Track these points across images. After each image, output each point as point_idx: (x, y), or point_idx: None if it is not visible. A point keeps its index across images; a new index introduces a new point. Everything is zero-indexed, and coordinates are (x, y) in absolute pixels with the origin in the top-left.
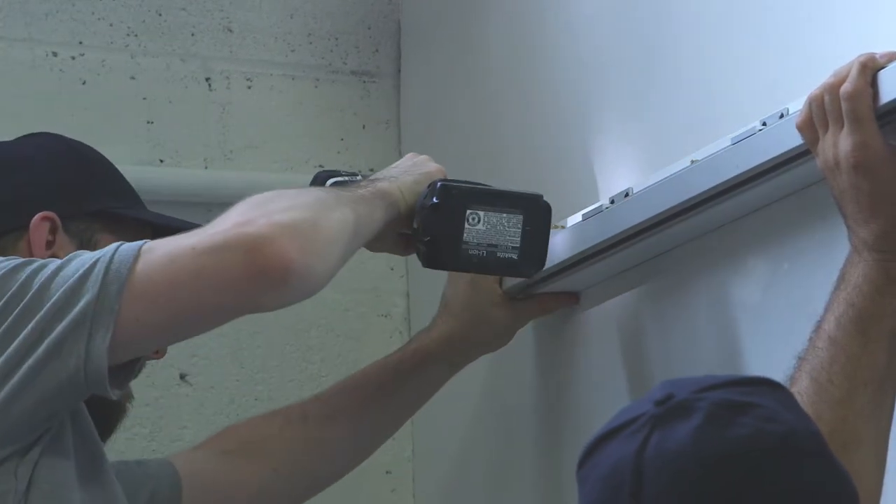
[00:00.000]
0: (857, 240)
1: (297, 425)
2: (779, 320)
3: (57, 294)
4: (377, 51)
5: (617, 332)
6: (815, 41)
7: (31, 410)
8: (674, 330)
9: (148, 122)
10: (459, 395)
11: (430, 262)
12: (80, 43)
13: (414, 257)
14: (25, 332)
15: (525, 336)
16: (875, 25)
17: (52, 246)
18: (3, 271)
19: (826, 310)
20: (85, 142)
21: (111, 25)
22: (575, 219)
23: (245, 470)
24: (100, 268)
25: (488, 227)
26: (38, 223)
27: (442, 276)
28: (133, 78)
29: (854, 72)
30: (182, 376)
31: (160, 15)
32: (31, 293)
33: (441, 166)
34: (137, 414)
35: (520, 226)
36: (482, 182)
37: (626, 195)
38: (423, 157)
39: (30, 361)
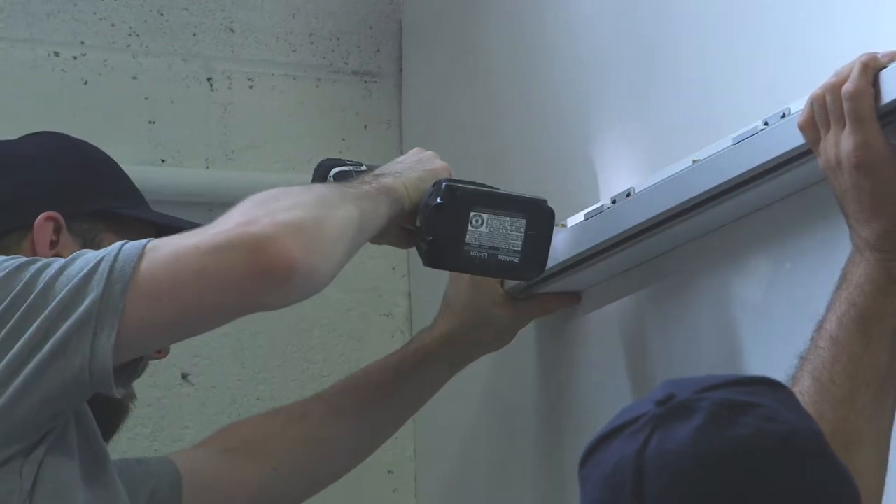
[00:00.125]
0: (858, 239)
1: (298, 424)
2: (780, 320)
3: (61, 293)
4: (379, 51)
5: (618, 332)
6: (817, 41)
7: (37, 409)
8: (675, 329)
9: (150, 122)
10: (461, 394)
11: (431, 261)
12: (82, 43)
13: (416, 259)
14: (30, 331)
15: (526, 336)
16: (876, 25)
17: (55, 246)
18: (6, 270)
19: (828, 309)
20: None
21: (113, 25)
22: (576, 218)
23: (246, 468)
24: (104, 267)
25: (491, 229)
26: (42, 223)
27: (443, 275)
28: (135, 78)
29: (856, 71)
30: (184, 376)
31: (162, 15)
32: (35, 292)
33: (446, 164)
34: (139, 414)
35: (523, 230)
36: (486, 183)
37: (628, 195)
38: (429, 153)
39: (35, 361)
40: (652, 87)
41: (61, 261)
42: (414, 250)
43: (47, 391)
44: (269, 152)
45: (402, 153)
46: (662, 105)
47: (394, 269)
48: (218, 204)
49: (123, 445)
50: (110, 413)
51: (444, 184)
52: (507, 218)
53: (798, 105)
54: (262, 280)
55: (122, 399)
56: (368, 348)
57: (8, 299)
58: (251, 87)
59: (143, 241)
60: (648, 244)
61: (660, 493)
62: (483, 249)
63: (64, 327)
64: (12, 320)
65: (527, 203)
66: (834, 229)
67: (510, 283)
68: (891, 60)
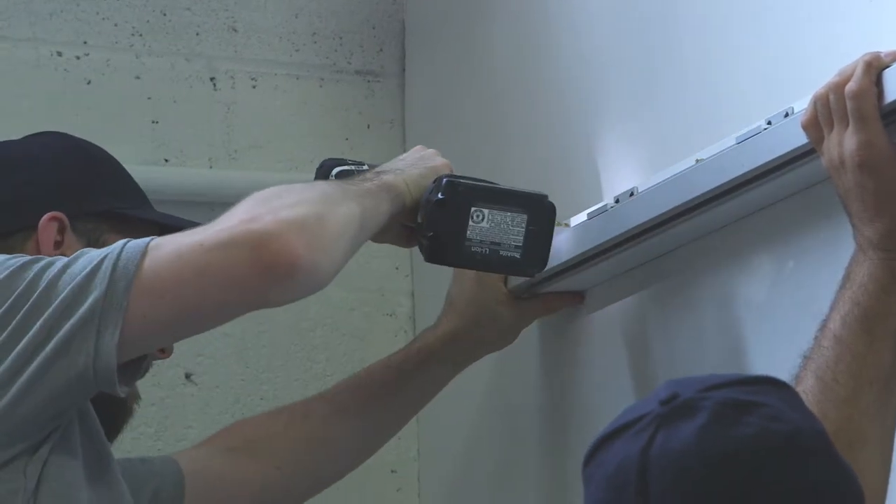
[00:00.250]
0: (862, 238)
1: (301, 424)
2: (784, 319)
3: (65, 291)
4: (381, 50)
5: (621, 332)
6: (820, 40)
7: (40, 408)
8: (679, 329)
9: (153, 122)
10: (465, 394)
11: (432, 257)
12: (85, 43)
13: (419, 257)
14: (34, 330)
15: (530, 335)
16: (880, 24)
17: (60, 246)
18: (10, 269)
19: (831, 309)
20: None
21: (116, 25)
22: (580, 218)
23: (249, 468)
24: (107, 265)
25: (492, 225)
26: (47, 223)
27: (447, 275)
28: (138, 78)
29: (859, 71)
30: (187, 376)
31: (165, 15)
32: (38, 291)
33: (447, 161)
34: (143, 413)
35: (524, 225)
36: (488, 179)
37: (631, 194)
38: (431, 150)
39: (38, 359)
40: (655, 86)
41: (64, 259)
42: (417, 250)
43: (51, 390)
44: (272, 152)
45: (405, 152)
46: (665, 104)
47: (397, 268)
48: (221, 204)
49: (127, 445)
50: (114, 413)
51: (444, 179)
52: (509, 213)
53: (801, 104)
54: (265, 276)
55: (127, 399)
56: (371, 348)
57: (11, 298)
58: (254, 87)
59: (147, 239)
60: (652, 244)
61: (664, 492)
62: (484, 245)
63: (67, 326)
64: (16, 319)
65: (528, 198)
66: (837, 228)
67: (513, 283)
68: (894, 60)
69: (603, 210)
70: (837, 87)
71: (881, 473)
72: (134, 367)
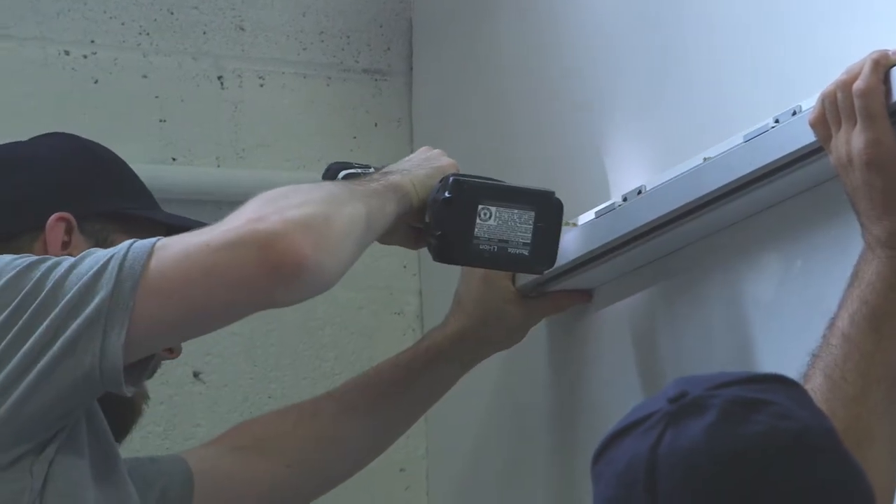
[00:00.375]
0: (870, 237)
1: (310, 422)
2: (792, 317)
3: (71, 292)
4: (389, 49)
5: (630, 330)
6: (828, 38)
7: (47, 408)
8: (687, 327)
9: (160, 121)
10: (473, 393)
11: (441, 256)
12: (92, 42)
13: (427, 256)
14: (40, 330)
15: (538, 334)
16: (888, 22)
17: (67, 246)
18: (17, 269)
19: (840, 307)
20: (97, 141)
21: (123, 24)
22: (588, 216)
23: (257, 467)
24: (114, 265)
25: (500, 222)
26: (54, 224)
27: (454, 273)
28: (145, 76)
29: (867, 69)
30: (196, 374)
31: (172, 13)
32: (45, 291)
33: (454, 161)
34: (151, 412)
35: (531, 222)
36: (494, 178)
37: (639, 193)
38: (437, 151)
39: (45, 359)
40: (663, 84)
41: (71, 259)
42: (425, 249)
43: (58, 389)
44: (279, 150)
45: (412, 151)
46: (673, 103)
47: (405, 267)
48: (228, 202)
49: (135, 444)
50: (123, 413)
51: (451, 178)
52: (516, 211)
53: (809, 102)
54: (272, 276)
55: (135, 399)
56: (380, 346)
57: (18, 298)
58: (262, 86)
59: (153, 239)
60: (659, 242)
61: (672, 490)
62: (492, 243)
63: (74, 326)
64: (22, 319)
65: (535, 195)
66: (845, 227)
67: (521, 281)
68: None
69: (611, 208)
70: (845, 85)
71: (890, 471)
72: (141, 368)
